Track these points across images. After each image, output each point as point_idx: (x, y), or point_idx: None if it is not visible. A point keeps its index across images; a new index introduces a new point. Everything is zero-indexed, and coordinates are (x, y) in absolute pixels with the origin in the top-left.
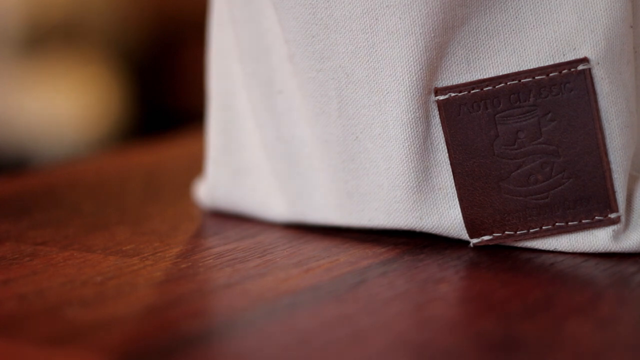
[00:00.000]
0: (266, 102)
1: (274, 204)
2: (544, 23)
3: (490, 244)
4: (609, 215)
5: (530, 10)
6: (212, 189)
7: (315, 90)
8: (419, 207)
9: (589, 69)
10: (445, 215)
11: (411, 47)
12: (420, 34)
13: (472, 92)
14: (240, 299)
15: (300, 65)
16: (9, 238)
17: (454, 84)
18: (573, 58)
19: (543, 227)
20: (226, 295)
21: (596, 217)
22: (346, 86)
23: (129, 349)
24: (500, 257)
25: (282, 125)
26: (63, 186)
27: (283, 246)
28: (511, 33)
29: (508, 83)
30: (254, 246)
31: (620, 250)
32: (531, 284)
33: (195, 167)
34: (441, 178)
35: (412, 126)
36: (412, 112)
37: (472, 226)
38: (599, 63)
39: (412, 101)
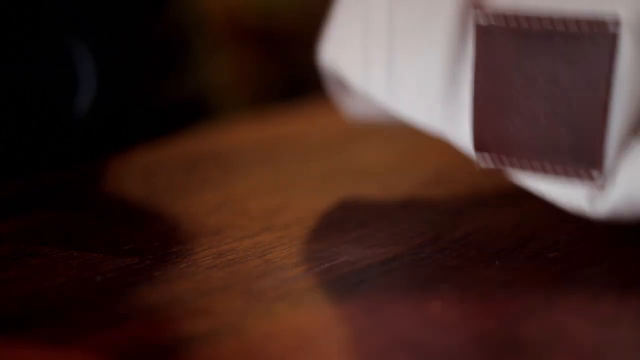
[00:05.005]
0: None
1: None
2: None
3: (491, 163)
4: (592, 173)
5: None
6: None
7: None
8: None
9: (619, 32)
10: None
11: None
12: None
13: (509, 25)
14: (240, 299)
15: None
16: (9, 238)
17: (497, 9)
18: (609, 17)
19: (532, 163)
20: (226, 295)
21: (580, 171)
22: None
23: (129, 349)
24: (501, 257)
25: None
26: (63, 186)
27: (283, 246)
28: None
29: (543, 25)
30: (254, 246)
31: (592, 214)
32: (531, 284)
33: (195, 166)
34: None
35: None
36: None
37: (478, 142)
38: (631, 28)
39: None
